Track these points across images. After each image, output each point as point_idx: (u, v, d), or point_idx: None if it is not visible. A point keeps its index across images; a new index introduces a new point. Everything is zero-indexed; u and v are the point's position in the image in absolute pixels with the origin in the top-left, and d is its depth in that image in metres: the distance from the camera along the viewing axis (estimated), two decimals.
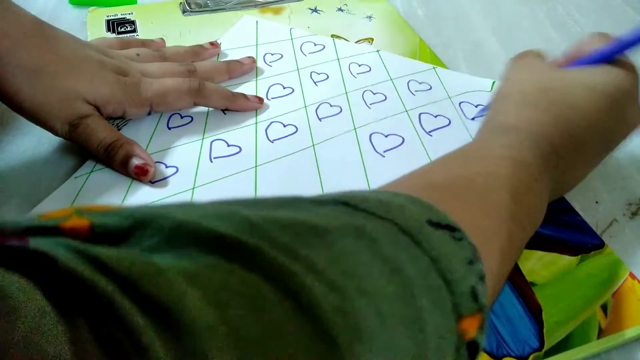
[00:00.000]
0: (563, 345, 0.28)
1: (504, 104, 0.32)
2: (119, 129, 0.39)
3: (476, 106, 0.43)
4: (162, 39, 0.48)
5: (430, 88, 0.45)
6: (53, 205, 0.33)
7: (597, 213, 0.36)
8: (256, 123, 0.41)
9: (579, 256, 0.32)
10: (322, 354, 0.14)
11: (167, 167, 0.37)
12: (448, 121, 0.42)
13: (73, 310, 0.12)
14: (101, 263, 0.13)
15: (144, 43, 0.45)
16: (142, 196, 0.34)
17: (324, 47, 0.50)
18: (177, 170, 0.36)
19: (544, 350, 0.28)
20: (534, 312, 0.29)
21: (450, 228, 0.20)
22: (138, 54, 0.41)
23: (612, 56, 0.32)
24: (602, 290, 0.30)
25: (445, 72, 0.47)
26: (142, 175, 0.35)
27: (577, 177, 0.33)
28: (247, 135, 0.40)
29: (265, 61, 0.48)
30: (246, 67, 0.46)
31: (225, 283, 0.13)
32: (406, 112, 0.42)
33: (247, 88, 0.44)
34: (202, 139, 0.39)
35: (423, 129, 0.41)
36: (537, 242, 0.33)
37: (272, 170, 0.37)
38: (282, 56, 0.48)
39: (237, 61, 0.46)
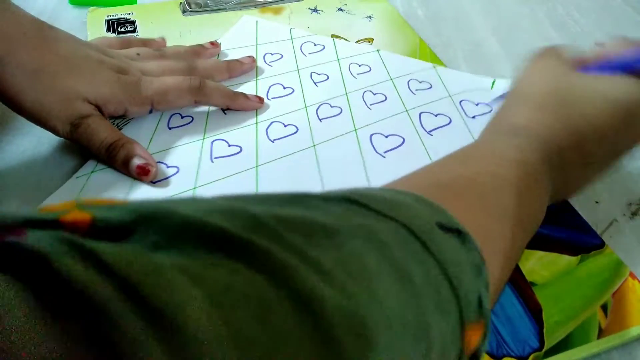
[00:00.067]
0: (563, 345, 0.28)
1: (516, 105, 0.31)
2: (120, 129, 0.39)
3: (477, 104, 0.43)
4: (162, 38, 0.48)
5: (431, 87, 0.45)
6: None
7: (597, 213, 0.36)
8: (257, 123, 0.41)
9: (579, 256, 0.32)
10: (328, 357, 0.13)
11: (168, 167, 0.37)
12: (449, 120, 0.42)
13: (69, 311, 0.11)
14: (99, 260, 0.12)
15: (145, 42, 0.45)
16: (144, 196, 0.34)
17: (324, 47, 0.50)
18: (178, 170, 0.36)
19: (544, 350, 0.28)
20: (534, 312, 0.29)
21: (458, 232, 0.19)
22: (138, 54, 0.41)
23: (635, 65, 0.31)
24: (602, 290, 0.30)
25: (445, 70, 0.47)
26: (143, 175, 0.35)
27: (581, 185, 0.32)
28: (247, 135, 0.40)
29: (265, 61, 0.48)
30: (246, 67, 0.46)
31: (231, 284, 0.13)
32: (406, 111, 0.42)
33: (247, 88, 0.44)
34: (203, 139, 0.39)
35: (423, 128, 0.41)
36: (537, 242, 0.33)
37: (273, 170, 0.37)
38: (282, 56, 0.48)
39: (237, 60, 0.46)
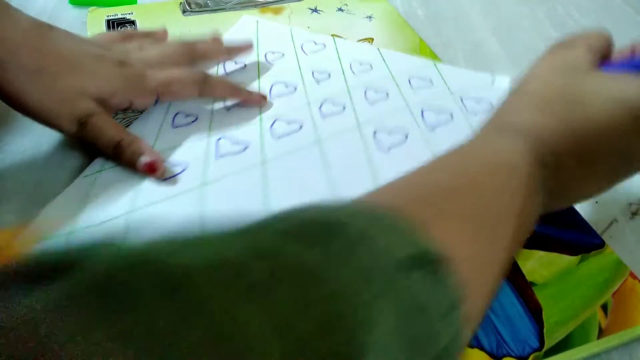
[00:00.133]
0: (563, 345, 0.28)
1: (517, 102, 0.29)
2: (129, 123, 0.39)
3: (478, 101, 0.43)
4: (164, 29, 0.47)
5: (432, 84, 0.45)
6: (64, 204, 0.34)
7: (597, 213, 0.36)
8: (260, 121, 0.41)
9: (579, 256, 0.32)
10: None
11: (174, 165, 0.37)
12: (450, 116, 0.42)
13: None
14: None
15: (146, 34, 0.45)
16: (152, 194, 0.35)
17: (325, 46, 0.50)
18: (184, 168, 0.37)
19: (544, 350, 0.27)
20: (534, 312, 0.29)
21: (434, 261, 0.18)
22: (140, 47, 0.41)
23: None
24: (603, 290, 0.30)
25: (445, 67, 0.48)
26: (151, 172, 0.35)
27: (586, 194, 0.30)
28: (252, 133, 0.40)
29: (266, 60, 0.48)
30: (245, 48, 0.46)
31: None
32: (408, 108, 0.43)
33: (249, 86, 0.44)
34: (208, 137, 0.39)
35: (426, 124, 0.41)
36: (538, 242, 0.33)
37: (279, 167, 0.37)
38: (283, 55, 0.49)
39: (235, 45, 0.46)
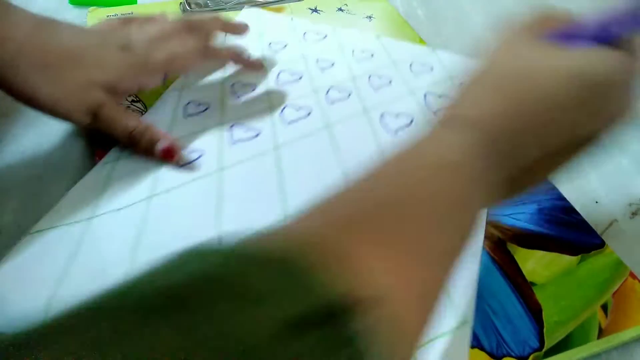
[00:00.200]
0: (563, 345, 0.28)
1: (470, 92, 0.27)
2: (144, 112, 0.40)
3: None
4: (163, 13, 0.45)
5: (432, 69, 0.47)
6: (83, 192, 0.34)
7: (597, 213, 0.36)
8: (270, 107, 0.42)
9: (580, 256, 0.32)
10: None
11: (190, 152, 0.37)
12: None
13: None
14: None
15: (146, 19, 0.45)
16: (171, 179, 0.35)
17: (326, 35, 0.52)
18: (200, 155, 0.37)
19: (544, 350, 0.27)
20: (534, 312, 0.29)
21: (342, 311, 0.15)
22: (140, 29, 0.41)
23: (607, 33, 0.26)
24: (603, 290, 0.30)
25: (445, 53, 0.49)
26: (169, 157, 0.35)
27: (544, 173, 0.28)
28: (263, 120, 0.41)
29: (271, 49, 0.49)
30: (240, 27, 0.45)
31: None
32: (412, 93, 0.44)
33: (256, 75, 0.46)
34: (221, 124, 0.40)
35: (429, 108, 0.42)
36: (538, 242, 0.33)
37: (292, 151, 0.38)
38: (286, 45, 0.50)
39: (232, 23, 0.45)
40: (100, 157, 0.37)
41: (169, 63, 0.38)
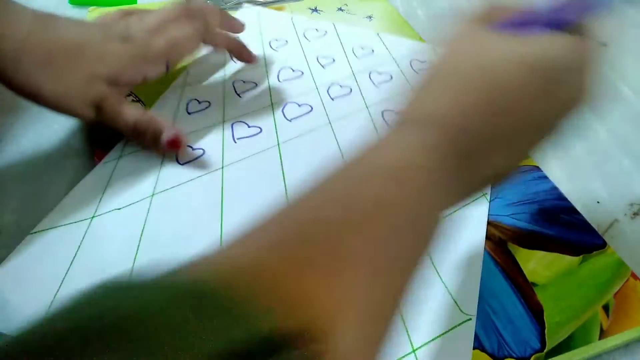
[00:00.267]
0: (565, 346, 0.28)
1: (423, 90, 0.27)
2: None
3: None
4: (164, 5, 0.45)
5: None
6: (85, 191, 0.34)
7: (598, 213, 0.35)
8: (272, 104, 0.42)
9: (581, 256, 0.32)
10: None
11: (193, 149, 0.37)
12: None
13: None
14: None
15: (146, 10, 0.45)
16: (173, 177, 0.35)
17: (326, 32, 0.52)
18: (204, 152, 0.37)
19: (545, 351, 0.27)
20: (536, 312, 0.29)
21: (272, 346, 0.13)
22: (139, 19, 0.41)
23: (555, 19, 0.25)
24: (604, 291, 0.30)
25: None
26: (175, 147, 0.35)
27: (509, 163, 0.26)
28: (265, 116, 0.41)
29: (271, 47, 0.49)
30: (237, 27, 0.45)
31: None
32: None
33: (256, 72, 0.46)
34: (223, 121, 0.40)
35: None
36: (539, 242, 0.33)
37: (295, 147, 0.38)
38: (287, 42, 0.50)
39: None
40: (100, 158, 0.36)
41: (170, 49, 0.38)
